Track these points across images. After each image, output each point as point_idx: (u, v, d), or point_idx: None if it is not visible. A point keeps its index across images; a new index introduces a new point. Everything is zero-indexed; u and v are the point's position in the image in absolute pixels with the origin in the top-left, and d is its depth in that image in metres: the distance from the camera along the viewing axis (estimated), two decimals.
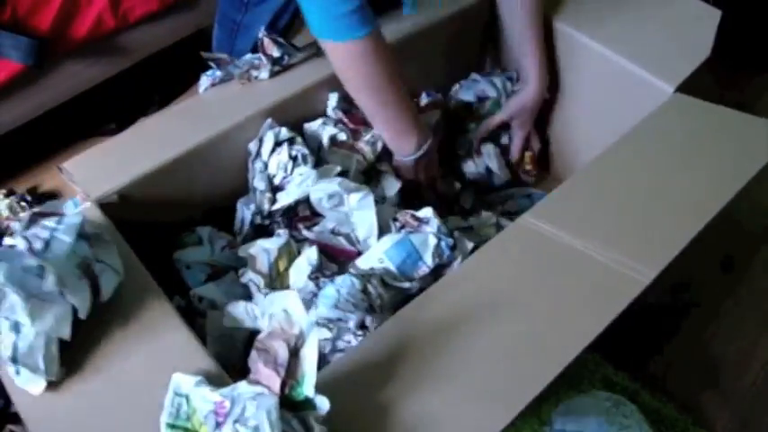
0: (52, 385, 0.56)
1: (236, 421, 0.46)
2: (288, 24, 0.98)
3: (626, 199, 0.71)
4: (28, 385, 0.55)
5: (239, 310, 0.70)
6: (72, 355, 0.57)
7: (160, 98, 1.46)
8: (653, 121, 0.79)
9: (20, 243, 0.56)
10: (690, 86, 0.84)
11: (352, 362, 0.57)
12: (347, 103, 0.89)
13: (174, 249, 0.80)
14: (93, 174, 0.76)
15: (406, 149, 0.84)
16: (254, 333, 0.70)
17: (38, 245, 0.56)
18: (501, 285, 0.63)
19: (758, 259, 1.09)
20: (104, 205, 0.73)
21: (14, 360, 0.53)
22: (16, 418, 0.92)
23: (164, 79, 1.13)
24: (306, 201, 0.80)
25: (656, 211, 0.69)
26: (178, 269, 0.77)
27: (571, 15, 0.96)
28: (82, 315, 0.56)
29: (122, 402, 0.55)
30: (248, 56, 0.86)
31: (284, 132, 0.83)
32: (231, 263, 0.78)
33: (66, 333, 0.55)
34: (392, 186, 0.87)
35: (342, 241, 0.78)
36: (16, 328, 0.54)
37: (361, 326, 0.67)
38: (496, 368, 0.57)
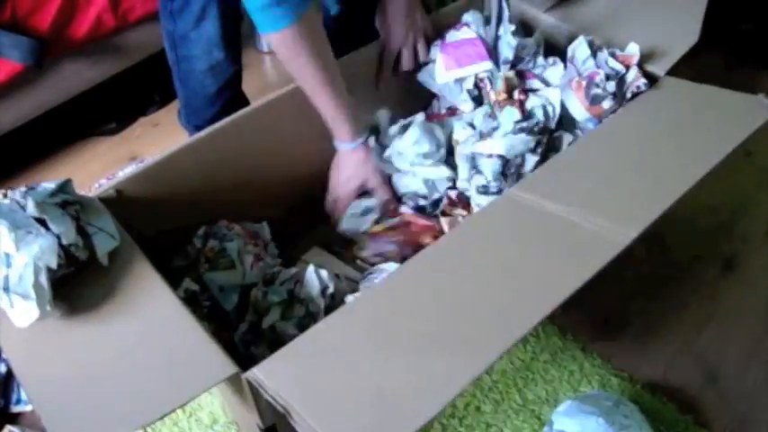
0: (41, 334, 0.59)
1: None
2: (225, 26, 0.98)
3: (610, 171, 0.73)
4: (22, 316, 0.57)
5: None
6: (64, 312, 0.61)
7: (160, 98, 1.46)
8: (642, 102, 0.81)
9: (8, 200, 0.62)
10: (689, 78, 0.85)
11: (333, 320, 0.60)
12: None
13: (178, 241, 0.80)
14: None
15: (341, 135, 0.88)
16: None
17: (23, 189, 0.63)
18: (484, 250, 0.65)
19: (758, 259, 1.09)
20: (104, 201, 0.73)
21: (6, 289, 0.58)
22: (16, 418, 0.92)
23: (164, 79, 1.13)
24: None
25: (639, 180, 0.71)
26: (209, 288, 0.77)
27: (560, 9, 0.97)
28: (65, 241, 0.60)
29: (108, 357, 0.58)
30: None
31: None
32: (267, 275, 0.79)
33: (52, 262, 0.58)
34: None
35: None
36: (7, 261, 0.58)
37: None
38: (478, 320, 0.59)
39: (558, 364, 0.94)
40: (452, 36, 0.94)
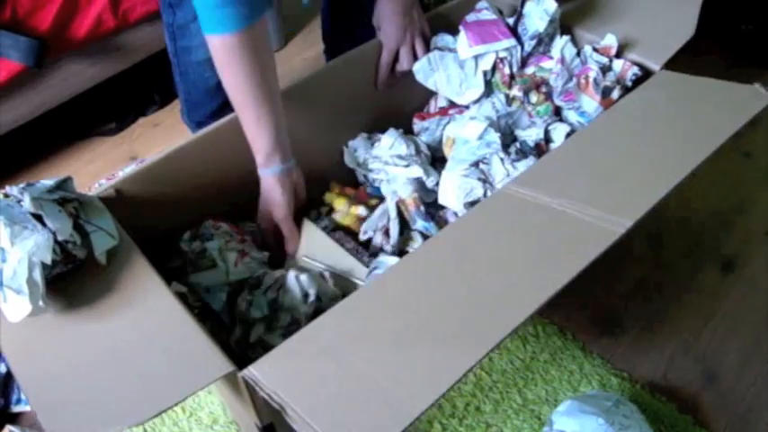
0: (38, 331, 0.59)
1: None
2: None
3: (605, 163, 0.73)
4: (14, 311, 0.57)
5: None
6: (62, 310, 0.61)
7: (160, 98, 1.46)
8: (637, 95, 0.81)
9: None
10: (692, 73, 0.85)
11: (327, 318, 0.60)
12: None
13: (173, 242, 0.80)
14: None
15: (267, 159, 0.80)
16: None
17: (21, 186, 0.63)
18: (479, 244, 0.65)
19: (758, 259, 1.09)
20: (104, 200, 0.73)
21: (0, 284, 0.58)
22: (16, 418, 0.92)
23: (164, 79, 1.13)
24: None
25: (634, 171, 0.71)
26: (197, 290, 0.77)
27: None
28: (60, 237, 0.60)
29: (105, 355, 0.58)
30: None
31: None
32: (246, 274, 0.78)
33: (47, 258, 0.58)
34: None
35: None
36: (2, 256, 0.58)
37: None
38: (472, 312, 0.59)
39: (558, 364, 0.94)
40: (473, 17, 0.95)
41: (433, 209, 0.88)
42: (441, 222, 0.86)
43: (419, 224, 0.84)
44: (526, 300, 0.58)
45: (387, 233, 0.84)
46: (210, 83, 1.04)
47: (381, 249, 0.84)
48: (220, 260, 0.77)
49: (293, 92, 0.87)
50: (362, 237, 0.85)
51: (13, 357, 0.58)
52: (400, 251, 0.84)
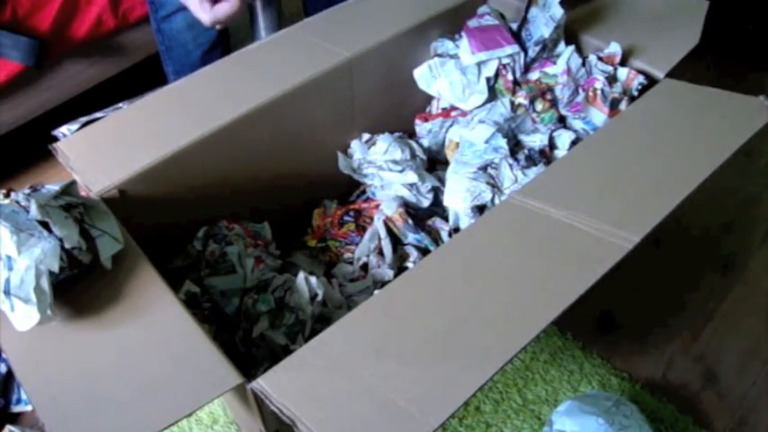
0: (43, 339, 0.58)
1: None
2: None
3: (611, 175, 0.73)
4: (22, 320, 0.57)
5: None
6: (66, 315, 0.60)
7: None
8: (642, 104, 0.81)
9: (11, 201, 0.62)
10: (688, 78, 0.85)
11: (336, 329, 0.60)
12: None
13: (181, 243, 0.80)
14: (92, 160, 0.76)
15: None
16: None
17: (26, 191, 0.63)
18: (486, 256, 0.65)
19: (758, 259, 1.09)
20: (107, 201, 0.73)
21: (7, 293, 0.57)
22: (16, 418, 0.92)
23: (164, 79, 1.13)
24: None
25: (640, 184, 0.71)
26: (210, 293, 0.77)
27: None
28: (68, 245, 0.59)
29: (112, 365, 0.58)
30: None
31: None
32: (261, 282, 0.79)
33: (54, 266, 0.58)
34: None
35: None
36: (8, 264, 0.57)
37: None
38: (478, 330, 0.59)
39: (558, 364, 0.95)
40: (475, 23, 0.94)
41: (421, 220, 0.88)
42: (432, 232, 0.86)
43: (410, 237, 0.84)
44: (535, 316, 0.58)
45: (380, 253, 0.84)
46: (194, 57, 1.02)
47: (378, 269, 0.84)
48: (239, 266, 0.78)
49: (299, 93, 0.87)
50: (356, 264, 0.85)
51: (19, 366, 0.58)
52: (399, 268, 0.84)
